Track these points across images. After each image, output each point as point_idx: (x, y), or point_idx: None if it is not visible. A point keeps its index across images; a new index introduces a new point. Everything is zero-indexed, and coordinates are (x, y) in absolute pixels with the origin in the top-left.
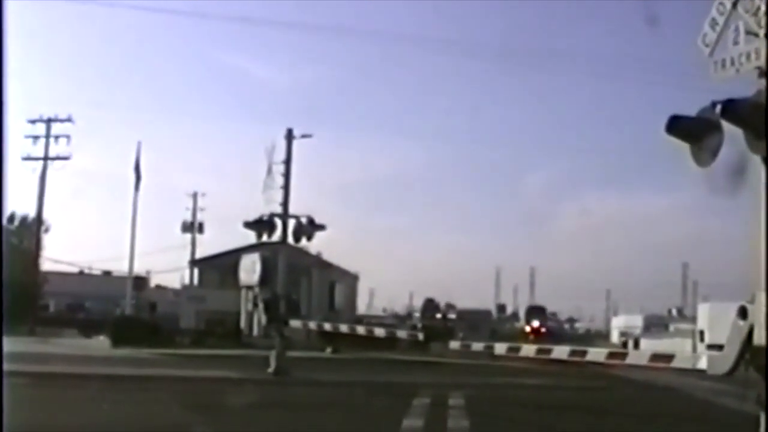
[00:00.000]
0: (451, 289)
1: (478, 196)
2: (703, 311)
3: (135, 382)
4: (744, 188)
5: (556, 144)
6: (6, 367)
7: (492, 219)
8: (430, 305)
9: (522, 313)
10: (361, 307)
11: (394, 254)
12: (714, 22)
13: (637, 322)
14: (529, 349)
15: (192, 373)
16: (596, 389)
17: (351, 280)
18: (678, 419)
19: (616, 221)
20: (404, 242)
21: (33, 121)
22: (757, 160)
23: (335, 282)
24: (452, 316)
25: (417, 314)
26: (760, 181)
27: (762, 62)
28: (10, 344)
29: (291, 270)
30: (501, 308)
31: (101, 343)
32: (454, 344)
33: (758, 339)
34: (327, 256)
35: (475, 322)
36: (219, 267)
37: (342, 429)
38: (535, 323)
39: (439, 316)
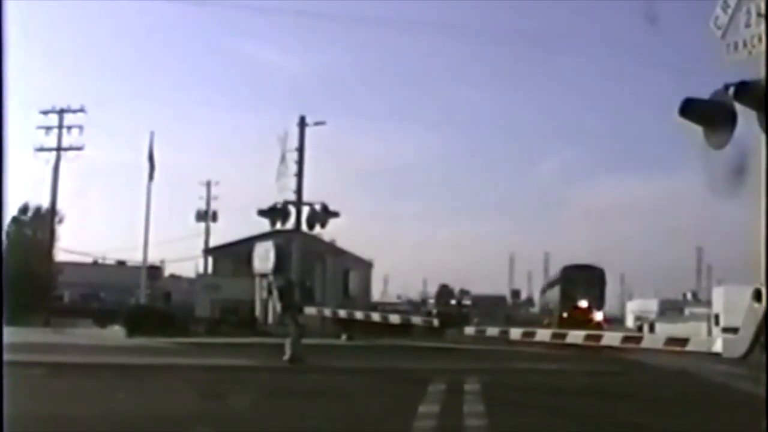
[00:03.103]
0: (465, 275)
1: (492, 182)
2: (718, 295)
3: (150, 372)
4: (744, 188)
5: (570, 129)
6: (21, 357)
7: (506, 205)
8: (444, 291)
9: (537, 297)
10: (376, 294)
11: (408, 241)
12: (726, 5)
13: (652, 306)
14: (543, 334)
15: (207, 361)
16: (612, 374)
17: (365, 267)
18: (694, 403)
19: (630, 206)
20: (418, 229)
21: (45, 112)
22: (758, 157)
23: (349, 269)
24: (467, 302)
25: (431, 300)
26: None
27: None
28: (25, 335)
29: (305, 257)
30: (515, 294)
31: (116, 332)
32: (469, 330)
33: None
34: (341, 244)
35: (489, 307)
36: (233, 255)
37: (358, 415)
38: (584, 302)
39: (453, 302)
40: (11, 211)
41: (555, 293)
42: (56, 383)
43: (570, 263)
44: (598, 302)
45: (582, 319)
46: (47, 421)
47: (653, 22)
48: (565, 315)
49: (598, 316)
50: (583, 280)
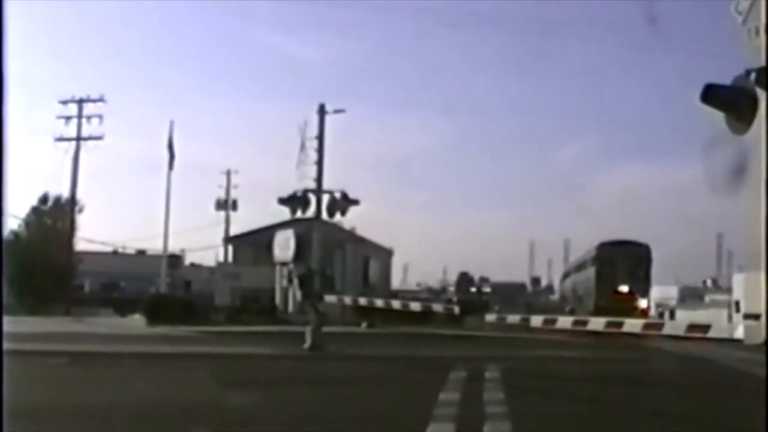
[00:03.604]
0: (485, 262)
1: (512, 169)
2: (739, 281)
3: (171, 360)
4: (743, 188)
5: (589, 116)
6: (44, 347)
7: (526, 192)
8: (464, 279)
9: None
10: (396, 282)
11: (428, 229)
12: None
13: (672, 293)
14: (564, 321)
15: (228, 349)
16: (632, 361)
17: (385, 255)
18: (714, 390)
19: (649, 192)
20: (438, 217)
21: (65, 102)
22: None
23: (369, 257)
24: (487, 289)
25: (451, 288)
26: None
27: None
28: (46, 324)
29: (325, 246)
30: (535, 281)
31: (136, 321)
32: (490, 317)
33: None
34: (361, 232)
35: (509, 295)
36: (253, 244)
37: (379, 403)
38: (625, 286)
39: (473, 289)
40: (31, 200)
41: (586, 276)
42: (78, 372)
43: (607, 239)
44: (643, 286)
45: (624, 308)
46: (69, 410)
47: (655, 20)
48: (601, 303)
49: (643, 303)
50: (624, 260)
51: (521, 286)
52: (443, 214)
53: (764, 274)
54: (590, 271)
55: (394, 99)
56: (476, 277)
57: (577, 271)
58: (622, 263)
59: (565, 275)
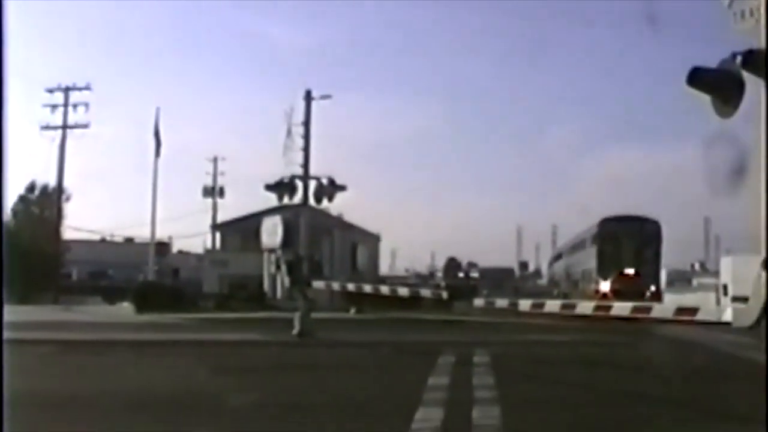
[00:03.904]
0: (473, 247)
1: (499, 153)
2: (726, 265)
3: (160, 347)
4: (744, 186)
5: (577, 100)
6: (31, 335)
7: (513, 176)
8: (452, 264)
9: (545, 268)
10: (384, 268)
11: (416, 214)
12: None
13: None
14: (553, 305)
15: (217, 336)
16: (621, 345)
17: (373, 240)
18: (701, 373)
19: (637, 176)
20: (425, 202)
21: (51, 90)
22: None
23: (357, 243)
24: (474, 274)
25: (439, 273)
26: None
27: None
28: (34, 313)
29: (312, 232)
30: (523, 266)
31: (125, 309)
32: (479, 302)
33: None
34: (348, 218)
35: (497, 280)
36: (241, 230)
37: (368, 388)
38: (630, 269)
39: (461, 274)
40: (18, 189)
41: (585, 258)
42: (67, 361)
43: (611, 214)
44: (653, 268)
45: (630, 292)
46: (57, 398)
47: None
48: (603, 287)
49: (652, 287)
50: (631, 238)
51: (509, 271)
52: (431, 199)
53: (764, 267)
54: (590, 252)
55: (382, 84)
56: (464, 262)
57: (572, 252)
58: (629, 242)
59: (555, 258)
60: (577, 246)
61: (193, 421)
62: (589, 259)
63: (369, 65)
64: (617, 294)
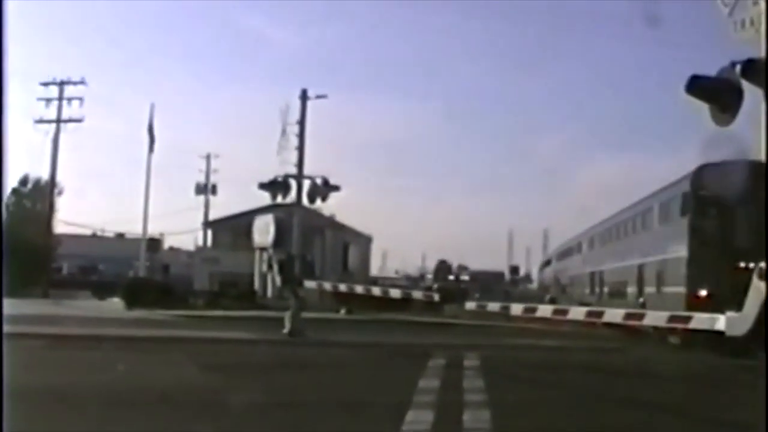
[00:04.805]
0: (463, 251)
1: (492, 157)
2: None
3: (150, 344)
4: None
5: (572, 106)
6: (21, 329)
7: (506, 181)
8: (442, 267)
9: (536, 273)
10: (374, 269)
11: (408, 216)
12: None
13: None
14: (545, 310)
15: (207, 334)
16: (612, 350)
17: (364, 241)
18: (696, 379)
19: (630, 183)
20: (417, 204)
21: (46, 84)
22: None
23: (349, 243)
24: (465, 277)
25: (429, 276)
26: None
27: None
28: (24, 306)
29: (305, 231)
30: (514, 270)
31: (115, 305)
32: (470, 305)
33: None
34: (340, 218)
35: (488, 283)
36: (233, 228)
37: (358, 389)
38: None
39: (451, 277)
40: (11, 182)
41: (645, 242)
42: (56, 355)
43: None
44: None
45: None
46: (46, 393)
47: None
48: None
49: None
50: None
51: (499, 275)
52: (423, 201)
53: (765, 272)
54: (665, 231)
55: (377, 85)
56: (454, 265)
57: (596, 242)
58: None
59: (546, 263)
60: (619, 226)
61: (182, 418)
62: (659, 244)
63: (365, 66)
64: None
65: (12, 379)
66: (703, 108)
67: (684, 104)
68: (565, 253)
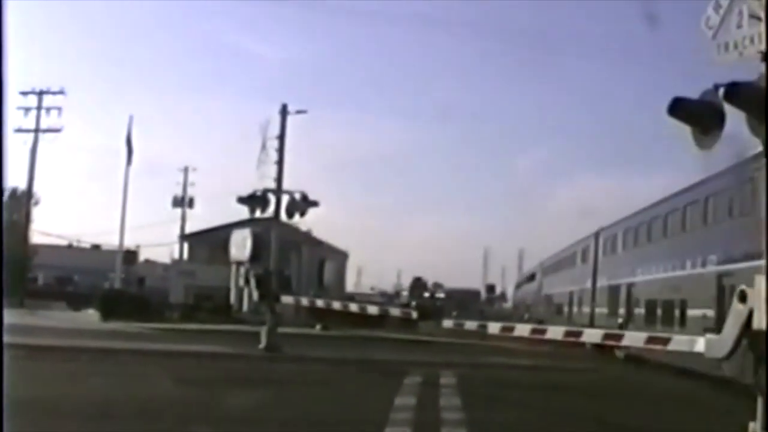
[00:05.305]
0: (439, 268)
1: (469, 176)
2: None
3: (125, 356)
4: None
5: (551, 125)
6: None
7: (483, 199)
8: (418, 284)
9: (511, 292)
10: (350, 285)
11: (384, 232)
12: (718, 5)
13: None
14: (522, 329)
15: (182, 347)
16: (588, 370)
17: (340, 257)
18: (664, 399)
19: (608, 204)
20: (394, 221)
21: (25, 93)
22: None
23: (325, 259)
24: (440, 295)
25: (405, 293)
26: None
27: (764, 46)
28: None
29: (281, 247)
30: (490, 288)
31: (90, 316)
32: (448, 323)
33: (758, 323)
34: (317, 234)
35: (463, 301)
36: (209, 242)
37: (335, 406)
38: None
39: (427, 295)
40: None
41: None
42: (31, 366)
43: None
44: None
45: None
46: (19, 404)
47: (652, 21)
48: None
49: None
50: None
51: (475, 293)
52: (399, 218)
53: (765, 273)
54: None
55: (357, 102)
56: (430, 282)
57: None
58: None
59: (520, 284)
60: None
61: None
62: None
63: (345, 82)
64: None
65: None
66: (685, 130)
67: (665, 126)
68: (551, 269)
